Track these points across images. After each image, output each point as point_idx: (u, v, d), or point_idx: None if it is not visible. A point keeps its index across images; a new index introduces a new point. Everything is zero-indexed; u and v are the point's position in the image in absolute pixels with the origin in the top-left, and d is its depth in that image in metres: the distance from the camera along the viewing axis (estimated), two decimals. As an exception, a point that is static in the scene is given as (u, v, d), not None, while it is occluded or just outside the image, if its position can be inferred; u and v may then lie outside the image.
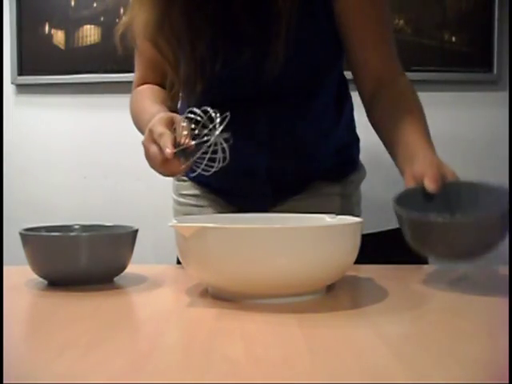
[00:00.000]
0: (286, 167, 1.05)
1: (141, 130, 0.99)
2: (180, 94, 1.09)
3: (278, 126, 1.01)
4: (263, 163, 1.03)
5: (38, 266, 0.77)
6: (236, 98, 0.97)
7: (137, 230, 0.81)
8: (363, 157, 1.16)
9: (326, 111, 1.05)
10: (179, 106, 1.14)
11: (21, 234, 0.78)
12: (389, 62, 0.99)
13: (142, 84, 1.11)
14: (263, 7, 0.95)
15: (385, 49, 0.99)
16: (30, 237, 0.77)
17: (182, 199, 1.16)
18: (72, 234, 0.81)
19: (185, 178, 1.16)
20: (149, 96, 1.05)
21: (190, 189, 1.15)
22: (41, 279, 0.79)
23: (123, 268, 0.80)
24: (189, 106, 0.99)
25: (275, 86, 0.97)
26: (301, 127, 1.03)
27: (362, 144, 1.16)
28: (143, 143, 0.85)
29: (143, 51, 1.08)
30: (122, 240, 0.79)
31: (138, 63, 1.12)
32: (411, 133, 0.86)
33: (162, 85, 1.09)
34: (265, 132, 1.01)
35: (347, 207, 1.10)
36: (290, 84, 0.99)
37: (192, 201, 1.14)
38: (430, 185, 0.74)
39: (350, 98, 1.13)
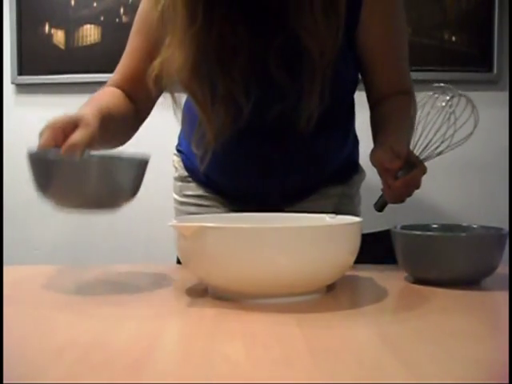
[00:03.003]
0: (297, 180, 1.06)
1: None
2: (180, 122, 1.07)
3: (293, 146, 1.02)
4: (276, 184, 1.04)
5: (46, 190, 0.73)
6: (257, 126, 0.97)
7: (147, 161, 0.77)
8: (363, 159, 1.16)
9: (339, 128, 1.08)
10: (180, 133, 1.16)
11: (29, 153, 0.73)
12: (400, 81, 1.06)
13: (116, 84, 1.04)
14: (298, 63, 0.93)
15: (399, 70, 1.07)
16: (36, 159, 0.72)
17: (185, 199, 1.16)
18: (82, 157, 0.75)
19: (189, 178, 1.15)
20: (109, 97, 1.00)
21: (194, 189, 1.14)
22: (41, 279, 0.79)
23: (133, 195, 0.76)
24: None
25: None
26: (316, 145, 1.03)
27: (361, 147, 1.16)
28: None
29: (136, 46, 1.03)
30: (133, 167, 0.75)
31: (123, 60, 1.06)
32: (388, 128, 0.99)
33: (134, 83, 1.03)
34: (279, 151, 1.02)
35: (350, 208, 1.12)
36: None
37: (196, 201, 1.14)
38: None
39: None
